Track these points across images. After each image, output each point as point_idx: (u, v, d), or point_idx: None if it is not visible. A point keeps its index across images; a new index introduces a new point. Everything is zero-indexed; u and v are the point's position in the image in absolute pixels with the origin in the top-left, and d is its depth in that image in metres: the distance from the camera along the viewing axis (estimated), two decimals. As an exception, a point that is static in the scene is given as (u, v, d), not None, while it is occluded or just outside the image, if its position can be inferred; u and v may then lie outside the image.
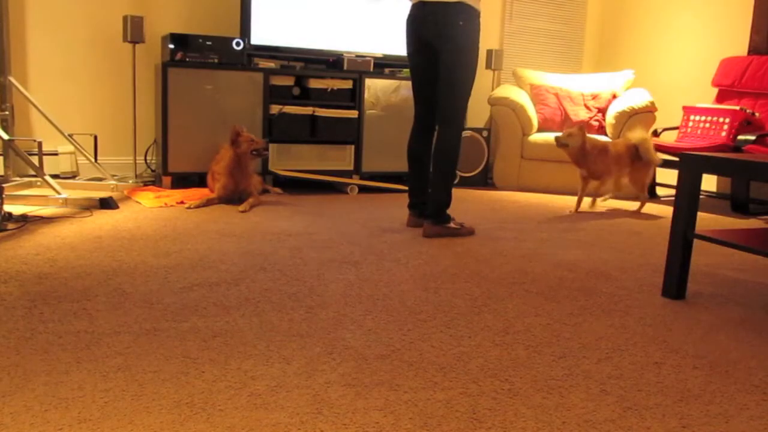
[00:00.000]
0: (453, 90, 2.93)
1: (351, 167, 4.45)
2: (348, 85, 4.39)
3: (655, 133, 4.68)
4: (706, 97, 4.87)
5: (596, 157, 3.79)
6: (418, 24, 2.97)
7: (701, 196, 4.76)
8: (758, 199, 4.36)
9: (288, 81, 4.25)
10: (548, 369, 1.55)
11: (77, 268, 2.20)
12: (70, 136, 3.89)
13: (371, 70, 4.45)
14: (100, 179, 4.08)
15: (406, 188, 4.50)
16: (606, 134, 4.78)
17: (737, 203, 4.19)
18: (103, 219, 3.04)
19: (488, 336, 1.75)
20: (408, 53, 3.10)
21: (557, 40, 5.77)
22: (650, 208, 4.19)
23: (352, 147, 4.43)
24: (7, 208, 3.05)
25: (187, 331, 1.68)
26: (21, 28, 4.05)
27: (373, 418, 1.27)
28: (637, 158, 3.87)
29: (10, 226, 2.78)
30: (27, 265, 2.21)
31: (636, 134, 3.90)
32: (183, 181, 4.21)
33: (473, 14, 2.89)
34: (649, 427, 1.28)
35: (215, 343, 1.60)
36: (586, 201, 4.09)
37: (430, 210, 3.00)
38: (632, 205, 4.21)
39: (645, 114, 4.57)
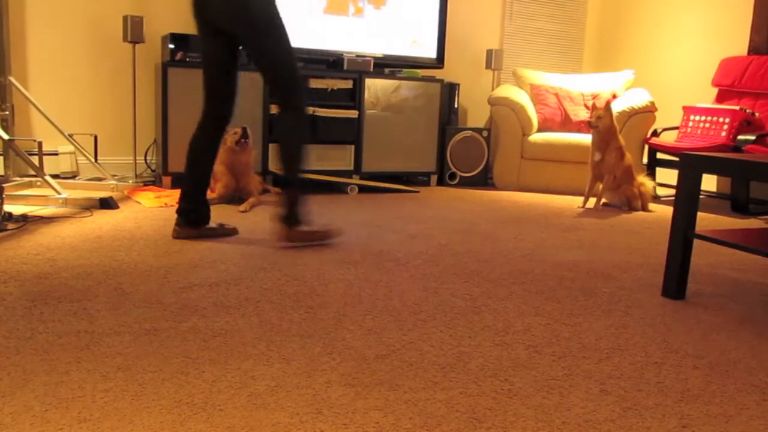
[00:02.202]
0: (276, 69, 2.54)
1: (351, 167, 4.45)
2: (348, 85, 4.39)
3: (655, 133, 4.68)
4: (706, 97, 4.87)
5: (614, 148, 4.01)
6: (201, 4, 2.53)
7: (701, 196, 4.76)
8: (758, 199, 4.36)
9: (288, 81, 4.25)
10: (548, 369, 1.55)
11: (77, 268, 2.20)
12: (70, 136, 3.89)
13: (371, 70, 4.45)
14: (100, 179, 4.08)
15: (408, 188, 4.52)
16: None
17: (737, 203, 4.19)
18: (103, 219, 3.04)
19: (488, 336, 1.75)
20: (199, 38, 2.64)
21: (557, 40, 5.77)
22: (650, 207, 4.19)
23: (352, 147, 4.43)
24: (7, 208, 3.05)
25: (187, 331, 1.68)
26: (21, 28, 4.05)
27: (373, 418, 1.27)
28: (630, 176, 4.10)
29: (10, 226, 2.78)
30: (27, 265, 2.21)
31: (642, 178, 4.17)
32: (183, 180, 4.20)
33: None
34: (649, 427, 1.28)
35: (215, 343, 1.60)
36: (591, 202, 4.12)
37: (283, 211, 2.65)
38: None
39: (645, 114, 4.57)
